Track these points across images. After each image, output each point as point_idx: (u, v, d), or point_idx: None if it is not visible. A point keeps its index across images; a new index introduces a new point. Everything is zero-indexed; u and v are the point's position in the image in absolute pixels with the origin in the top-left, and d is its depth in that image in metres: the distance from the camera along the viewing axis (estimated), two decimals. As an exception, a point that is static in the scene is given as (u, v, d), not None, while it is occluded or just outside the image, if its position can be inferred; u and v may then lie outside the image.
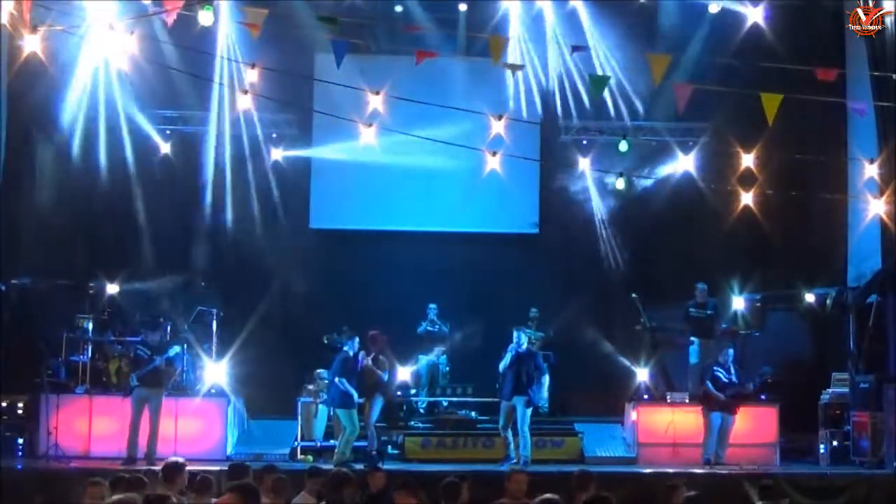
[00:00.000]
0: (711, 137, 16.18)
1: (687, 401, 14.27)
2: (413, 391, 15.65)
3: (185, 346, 14.50)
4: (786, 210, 15.49)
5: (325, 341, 14.50)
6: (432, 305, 15.91)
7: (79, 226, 16.16)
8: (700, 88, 12.52)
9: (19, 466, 12.74)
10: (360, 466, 11.84)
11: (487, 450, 13.87)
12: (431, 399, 15.64)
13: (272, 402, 15.25)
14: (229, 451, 13.73)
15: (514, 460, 12.88)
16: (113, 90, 15.19)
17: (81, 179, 15.68)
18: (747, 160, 13.86)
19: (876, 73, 13.80)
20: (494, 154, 13.21)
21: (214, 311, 15.24)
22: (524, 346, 13.44)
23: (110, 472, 9.11)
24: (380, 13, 16.13)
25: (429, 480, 9.10)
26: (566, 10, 15.59)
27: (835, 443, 14.03)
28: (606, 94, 14.89)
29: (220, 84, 15.04)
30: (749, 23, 14.97)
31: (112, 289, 15.63)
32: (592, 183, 16.86)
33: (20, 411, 13.52)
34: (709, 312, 15.23)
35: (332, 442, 13.53)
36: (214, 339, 15.04)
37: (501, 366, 13.35)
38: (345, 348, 13.32)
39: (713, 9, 15.18)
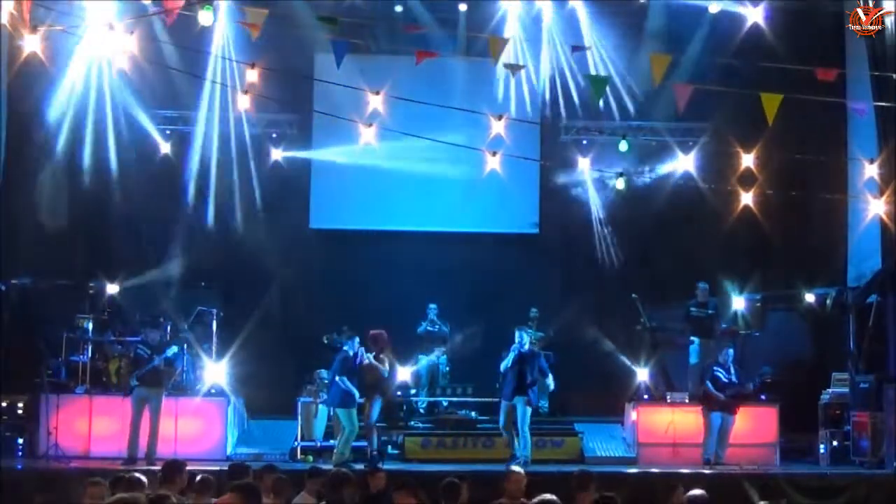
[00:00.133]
0: (711, 137, 16.19)
1: (687, 401, 14.27)
2: (413, 391, 15.65)
3: (185, 345, 14.51)
4: (786, 210, 15.49)
5: (325, 341, 14.50)
6: (432, 305, 15.91)
7: (79, 226, 16.16)
8: (700, 88, 12.51)
9: (19, 466, 12.73)
10: (360, 466, 11.84)
11: (487, 450, 13.87)
12: (431, 399, 15.64)
13: (272, 402, 15.25)
14: (229, 451, 13.72)
15: (520, 459, 12.88)
16: (113, 90, 15.19)
17: (81, 179, 15.67)
18: (747, 160, 13.85)
19: (876, 73, 13.80)
20: (494, 154, 13.21)
21: (214, 311, 15.24)
22: (526, 347, 13.44)
23: (110, 472, 9.11)
24: (380, 13, 16.13)
25: (429, 480, 9.09)
26: (566, 10, 15.60)
27: (835, 443, 14.03)
28: (607, 93, 14.88)
29: (214, 82, 15.03)
30: (749, 23, 14.97)
31: (112, 289, 15.64)
32: (592, 183, 16.86)
33: (20, 411, 13.52)
34: (710, 312, 15.23)
35: (331, 442, 13.52)
36: (214, 339, 15.04)
37: (503, 365, 13.35)
38: (344, 348, 13.33)
39: (713, 9, 15.18)
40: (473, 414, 14.92)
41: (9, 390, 13.41)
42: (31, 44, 11.26)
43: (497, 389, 13.96)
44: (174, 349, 13.55)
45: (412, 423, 14.87)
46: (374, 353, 13.32)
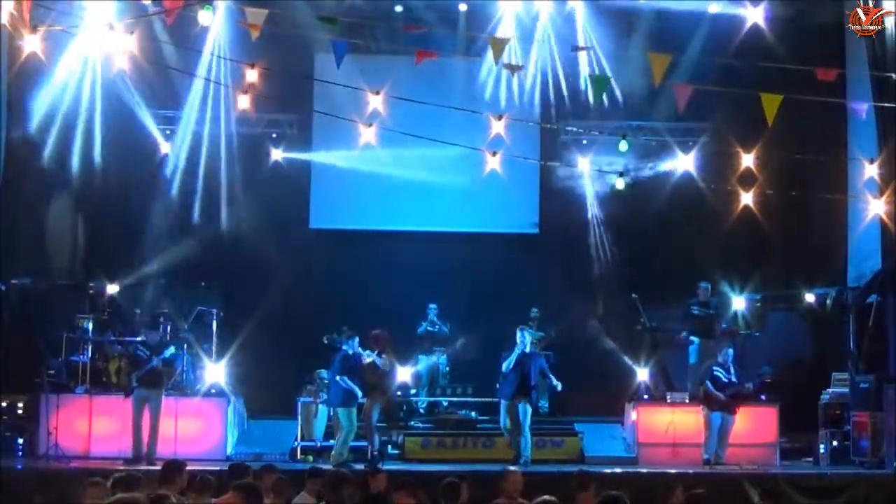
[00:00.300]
0: (711, 137, 16.17)
1: (687, 401, 14.27)
2: (413, 391, 15.65)
3: (185, 345, 14.52)
4: (786, 210, 15.50)
5: (325, 341, 14.49)
6: (432, 305, 15.92)
7: (79, 226, 16.15)
8: (700, 88, 12.51)
9: (19, 466, 12.74)
10: (359, 467, 11.83)
11: (487, 450, 13.87)
12: (431, 399, 15.65)
13: (272, 402, 15.26)
14: (229, 451, 13.73)
15: (524, 459, 12.87)
16: (113, 89, 15.18)
17: (81, 179, 15.66)
18: (747, 160, 13.84)
19: (876, 73, 13.81)
20: (494, 154, 13.20)
21: (214, 311, 15.25)
22: (528, 347, 13.43)
23: (110, 472, 9.08)
24: (380, 13, 16.11)
25: (429, 480, 9.09)
26: (566, 10, 15.59)
27: (835, 443, 14.03)
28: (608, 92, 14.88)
29: (214, 83, 15.03)
30: (749, 23, 14.97)
31: (112, 289, 15.64)
32: (592, 183, 16.85)
33: (20, 411, 13.52)
34: (711, 312, 15.24)
35: (331, 442, 13.51)
36: (214, 339, 15.05)
37: (505, 366, 13.33)
38: (343, 347, 13.32)
39: (713, 9, 15.17)
40: (473, 414, 14.91)
41: (9, 390, 13.41)
42: (31, 44, 11.26)
43: (497, 389, 13.95)
44: (172, 350, 13.54)
45: (412, 423, 14.87)
46: (375, 353, 13.31)
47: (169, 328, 14.73)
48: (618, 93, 15.54)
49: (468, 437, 14.20)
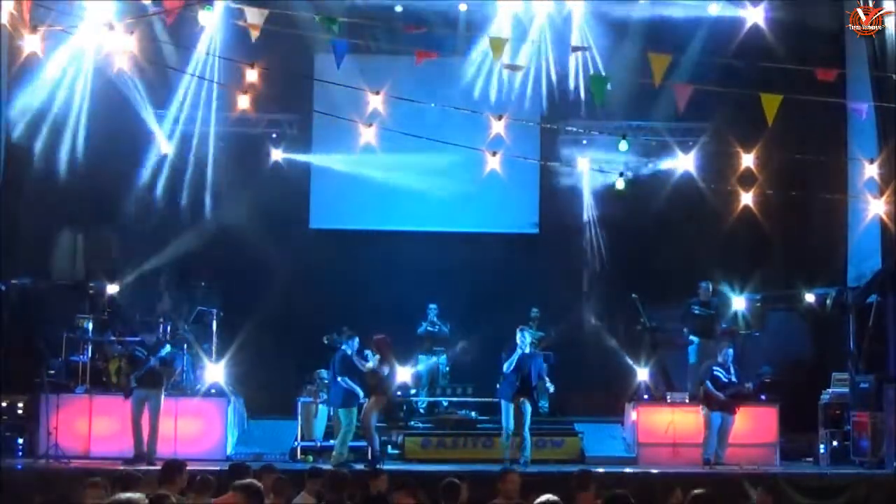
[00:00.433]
0: (711, 137, 16.17)
1: (687, 401, 14.27)
2: (413, 391, 15.64)
3: (185, 345, 14.52)
4: (786, 210, 15.50)
5: (325, 341, 14.48)
6: (432, 305, 15.92)
7: (79, 226, 16.15)
8: (700, 88, 12.51)
9: (19, 466, 12.73)
10: (360, 467, 11.83)
11: (487, 450, 13.86)
12: (431, 399, 15.65)
13: (272, 402, 15.27)
14: (229, 451, 13.73)
15: (524, 459, 12.87)
16: (112, 89, 15.17)
17: (81, 179, 15.65)
18: (747, 160, 13.82)
19: (876, 74, 13.80)
20: (494, 154, 13.20)
21: (214, 311, 15.25)
22: (528, 347, 13.43)
23: (110, 472, 9.11)
24: (380, 13, 16.11)
25: (429, 480, 9.10)
26: (565, 10, 15.59)
27: (835, 443, 14.03)
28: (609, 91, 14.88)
29: (216, 82, 15.02)
30: (749, 23, 14.97)
31: (112, 289, 15.63)
32: (592, 183, 16.85)
33: (20, 411, 13.52)
34: (712, 312, 15.24)
35: (331, 442, 13.51)
36: (214, 339, 15.05)
37: (506, 366, 13.32)
38: (343, 347, 13.31)
39: (713, 10, 15.17)
40: (473, 414, 14.92)
41: (9, 390, 13.41)
42: (31, 44, 11.25)
43: (497, 390, 13.95)
44: (168, 349, 13.52)
45: (412, 423, 14.87)
46: (377, 358, 13.28)
47: (168, 328, 14.73)
48: (618, 93, 15.54)
49: (468, 437, 14.20)
